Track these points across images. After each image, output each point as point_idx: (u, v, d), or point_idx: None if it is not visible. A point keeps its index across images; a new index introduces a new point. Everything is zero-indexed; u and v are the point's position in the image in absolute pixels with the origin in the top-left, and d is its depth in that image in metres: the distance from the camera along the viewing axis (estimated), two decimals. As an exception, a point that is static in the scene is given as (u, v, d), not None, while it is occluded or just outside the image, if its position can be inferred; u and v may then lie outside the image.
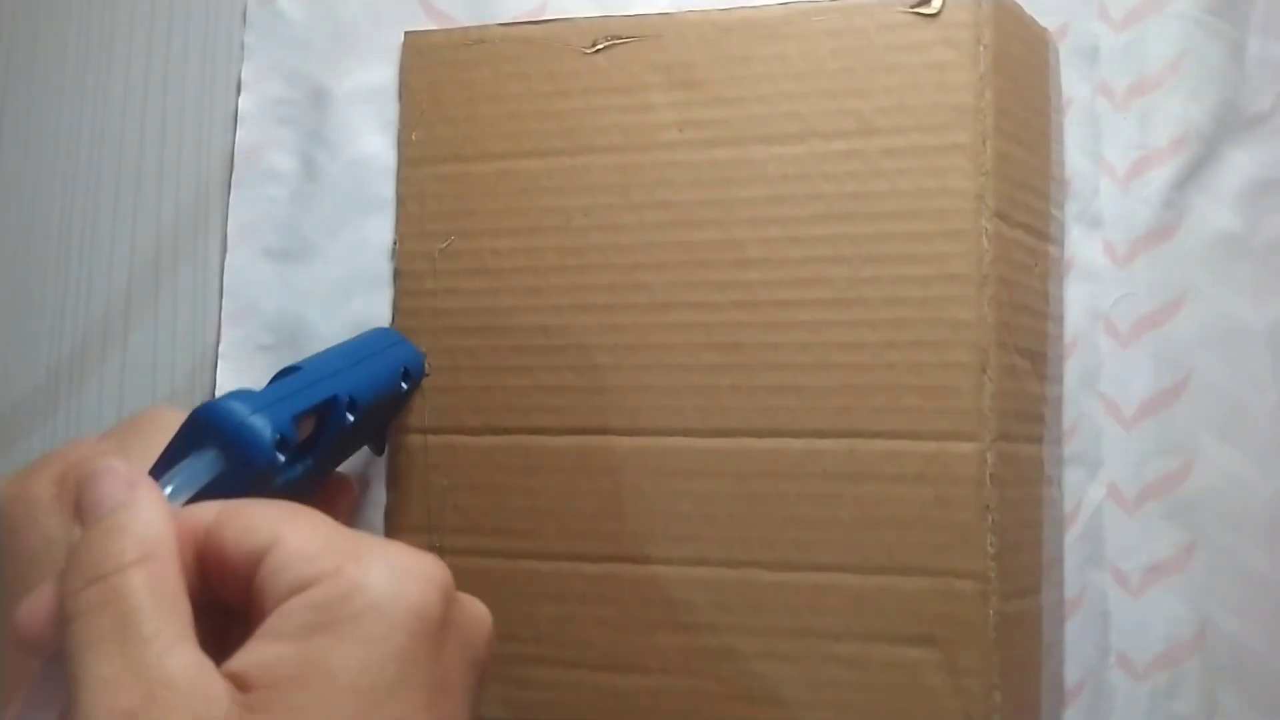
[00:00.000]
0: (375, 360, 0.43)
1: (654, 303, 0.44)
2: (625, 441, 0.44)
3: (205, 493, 0.29)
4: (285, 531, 0.24)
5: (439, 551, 0.45)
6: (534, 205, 0.46)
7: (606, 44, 0.46)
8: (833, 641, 0.41)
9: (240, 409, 0.31)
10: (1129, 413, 0.45)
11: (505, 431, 0.45)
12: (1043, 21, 0.45)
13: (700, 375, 0.43)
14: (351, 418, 0.38)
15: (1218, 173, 0.46)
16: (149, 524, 0.24)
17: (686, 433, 0.43)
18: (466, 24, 0.49)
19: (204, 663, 0.22)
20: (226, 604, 0.24)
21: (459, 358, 0.46)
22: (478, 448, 0.45)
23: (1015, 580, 0.41)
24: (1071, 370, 0.45)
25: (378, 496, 0.47)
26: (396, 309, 0.47)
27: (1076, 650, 0.44)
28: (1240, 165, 0.46)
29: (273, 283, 0.50)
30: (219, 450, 0.30)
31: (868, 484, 0.41)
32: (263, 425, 0.31)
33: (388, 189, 0.49)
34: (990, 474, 0.40)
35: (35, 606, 0.24)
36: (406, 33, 0.49)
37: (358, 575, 0.23)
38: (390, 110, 0.49)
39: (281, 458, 0.32)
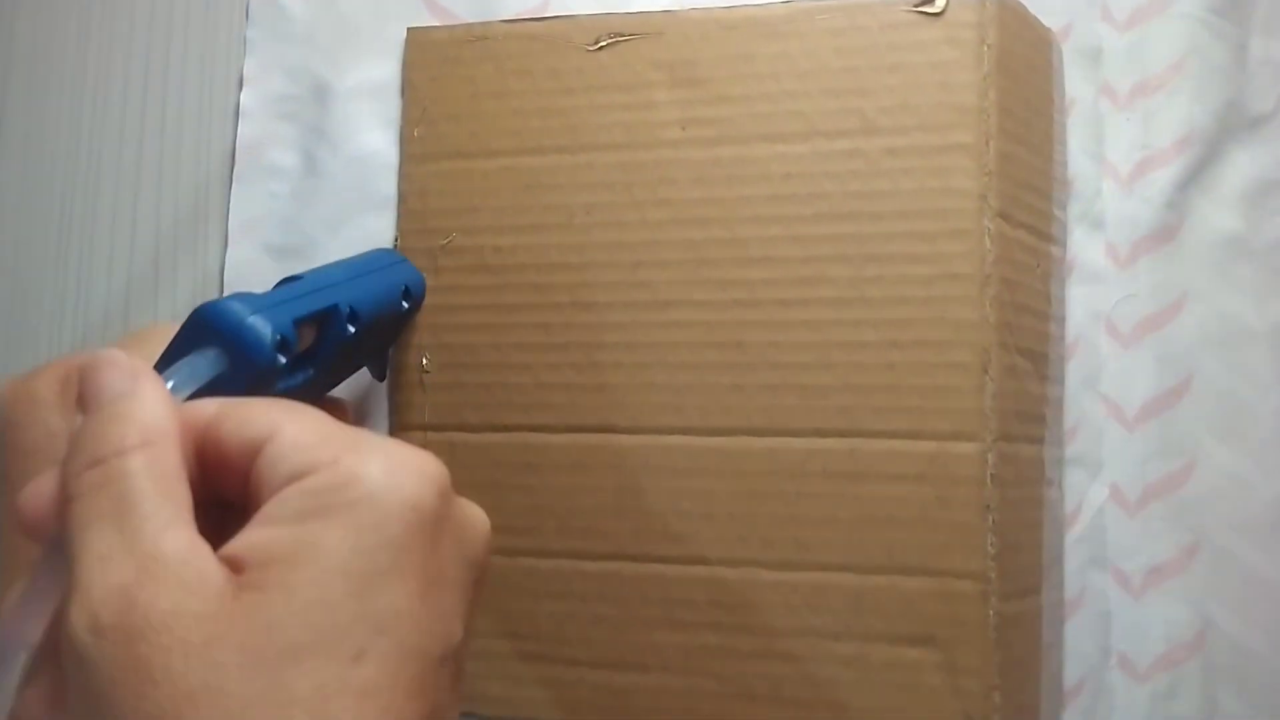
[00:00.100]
0: (376, 276, 0.42)
1: (656, 301, 0.44)
2: (626, 440, 0.44)
3: (206, 391, 0.29)
4: (284, 424, 0.24)
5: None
6: (536, 202, 0.45)
7: (609, 41, 0.46)
8: (832, 641, 0.41)
9: (242, 309, 0.32)
10: (1131, 414, 0.45)
11: (506, 429, 0.45)
12: (1046, 22, 0.45)
13: (701, 374, 0.43)
14: (352, 329, 0.38)
15: (1220, 174, 0.46)
16: (151, 412, 0.24)
17: (687, 431, 0.43)
18: (469, 20, 0.49)
19: (199, 544, 0.22)
20: (226, 499, 0.25)
21: (460, 355, 0.46)
22: (478, 445, 0.45)
23: (1015, 581, 0.41)
24: (1073, 371, 0.45)
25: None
26: (397, 306, 0.47)
27: (1077, 651, 0.44)
28: (1242, 166, 0.46)
29: (274, 278, 0.49)
30: (220, 349, 0.31)
31: (868, 483, 0.41)
32: (264, 325, 0.32)
33: (389, 185, 0.49)
34: (991, 474, 0.40)
35: (37, 491, 0.24)
36: (409, 29, 0.49)
37: (355, 465, 0.23)
38: (392, 106, 0.49)
39: (282, 360, 0.33)
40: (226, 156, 0.52)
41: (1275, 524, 0.44)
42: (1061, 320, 0.45)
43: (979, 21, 0.42)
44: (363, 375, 0.48)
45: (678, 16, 0.45)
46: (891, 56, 0.42)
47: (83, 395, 0.25)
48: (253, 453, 0.24)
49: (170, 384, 0.27)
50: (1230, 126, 0.46)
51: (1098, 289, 0.45)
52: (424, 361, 0.46)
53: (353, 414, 0.46)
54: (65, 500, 0.23)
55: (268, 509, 0.23)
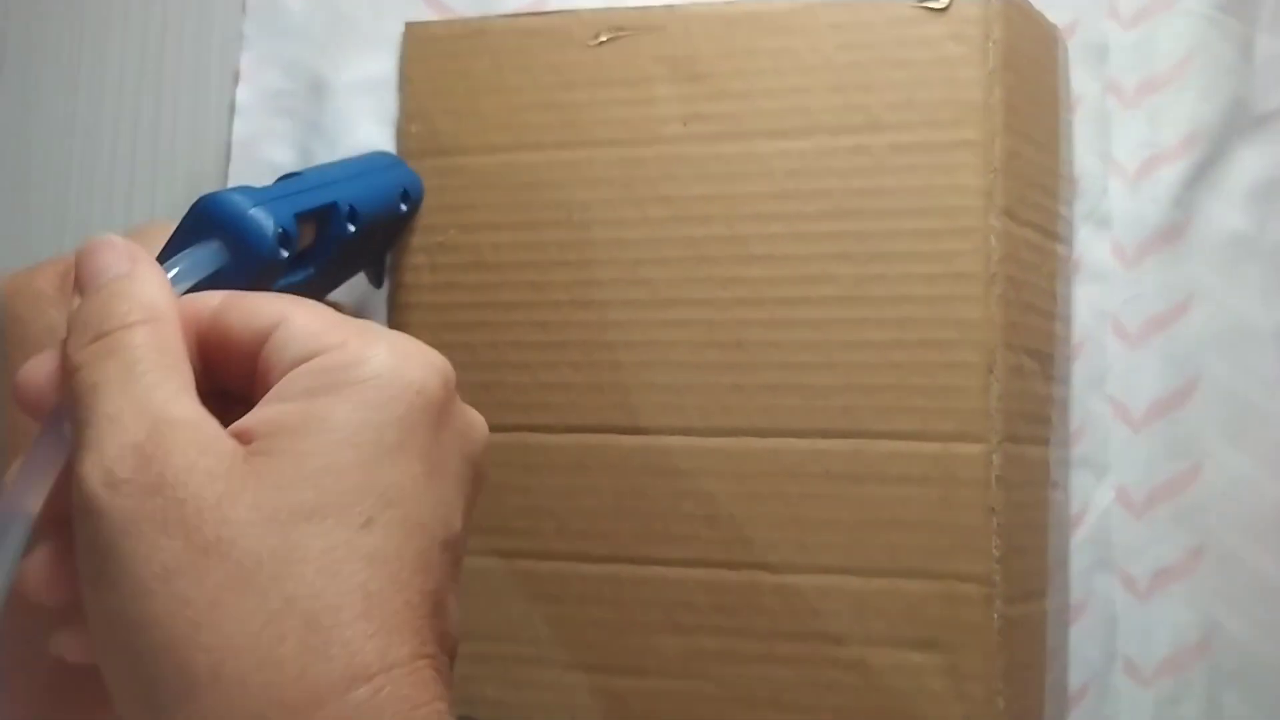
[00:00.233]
0: (375, 176, 0.42)
1: (656, 299, 0.43)
2: (626, 440, 0.43)
3: (206, 284, 0.30)
4: (292, 311, 0.24)
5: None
6: (535, 199, 0.45)
7: (610, 36, 0.45)
8: (835, 645, 0.41)
9: (243, 201, 0.32)
10: (1137, 415, 0.45)
11: (504, 429, 0.45)
12: (1052, 18, 0.45)
13: (703, 373, 0.43)
14: (352, 228, 0.39)
15: (1227, 172, 0.45)
16: (151, 291, 0.24)
17: (688, 432, 0.43)
18: (467, 15, 0.49)
19: (206, 413, 0.23)
20: (230, 390, 0.25)
21: (457, 353, 0.45)
22: (476, 445, 0.45)
23: (1020, 584, 0.40)
24: (1079, 371, 0.45)
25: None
26: (394, 303, 0.47)
27: (1082, 655, 0.44)
28: (1249, 164, 0.45)
29: (269, 276, 0.50)
30: (221, 242, 0.31)
31: (871, 485, 0.41)
32: (265, 218, 0.32)
33: (386, 182, 0.48)
34: (996, 476, 0.40)
35: (37, 366, 0.24)
36: (407, 24, 0.48)
37: (362, 348, 0.23)
38: (390, 102, 0.49)
39: (284, 253, 0.33)
40: (222, 152, 0.51)
41: (1283, 526, 0.43)
42: (1067, 320, 0.45)
43: (984, 17, 0.41)
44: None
45: (679, 11, 0.45)
46: (896, 52, 0.42)
47: (80, 278, 0.25)
48: (260, 340, 0.24)
49: (172, 274, 0.27)
50: (1237, 124, 0.45)
51: (1104, 288, 0.45)
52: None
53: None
54: (69, 372, 0.23)
55: (276, 389, 0.23)
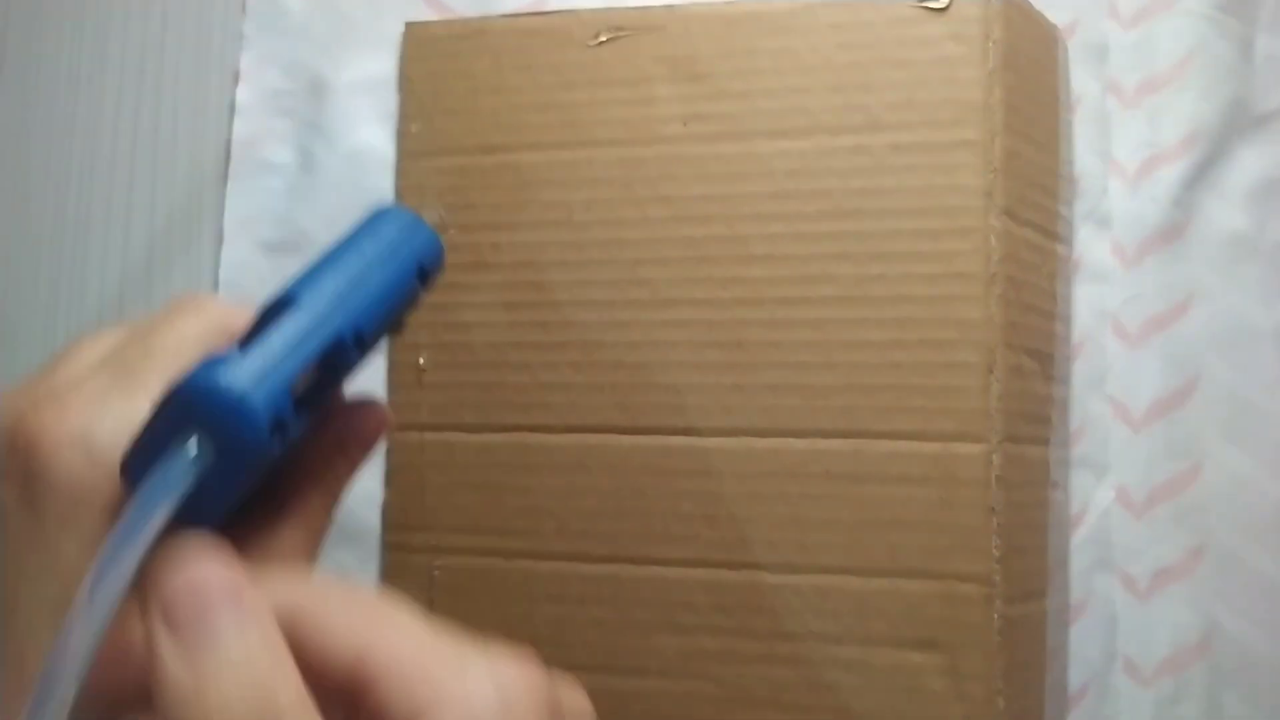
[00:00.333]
0: (383, 269, 0.34)
1: (656, 299, 0.43)
2: (626, 440, 0.43)
3: (197, 490, 0.27)
4: (374, 644, 0.22)
5: (435, 551, 0.45)
6: (535, 199, 0.45)
7: (610, 36, 0.45)
8: (835, 644, 0.41)
9: (227, 387, 0.27)
10: (1137, 415, 0.44)
11: (504, 429, 0.44)
12: (1052, 18, 0.45)
13: (702, 373, 0.43)
14: (360, 353, 0.32)
15: (1227, 172, 0.45)
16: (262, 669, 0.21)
17: (688, 431, 0.43)
18: (468, 15, 0.49)
19: None
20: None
21: (457, 354, 0.45)
22: (476, 445, 0.45)
23: (1020, 584, 0.40)
24: (1079, 371, 0.45)
25: (375, 494, 0.47)
26: (394, 304, 0.47)
27: (1081, 655, 0.44)
28: (1249, 164, 0.45)
29: (269, 276, 0.49)
30: (204, 435, 0.26)
31: (871, 485, 0.41)
32: (255, 407, 0.27)
33: (386, 181, 0.48)
34: (996, 476, 0.40)
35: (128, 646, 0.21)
36: (407, 23, 0.48)
37: (463, 697, 0.22)
38: (390, 102, 0.49)
39: (277, 448, 0.28)
40: (222, 152, 0.51)
41: (1283, 526, 0.43)
42: (1067, 320, 0.45)
43: (984, 17, 0.41)
44: (363, 376, 0.48)
45: (679, 11, 0.45)
46: (896, 52, 0.42)
47: (169, 614, 0.21)
48: (342, 672, 0.22)
49: (159, 501, 0.24)
50: (1237, 124, 0.45)
51: (1104, 288, 0.45)
52: (421, 361, 0.46)
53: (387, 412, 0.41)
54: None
55: None
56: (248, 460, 0.27)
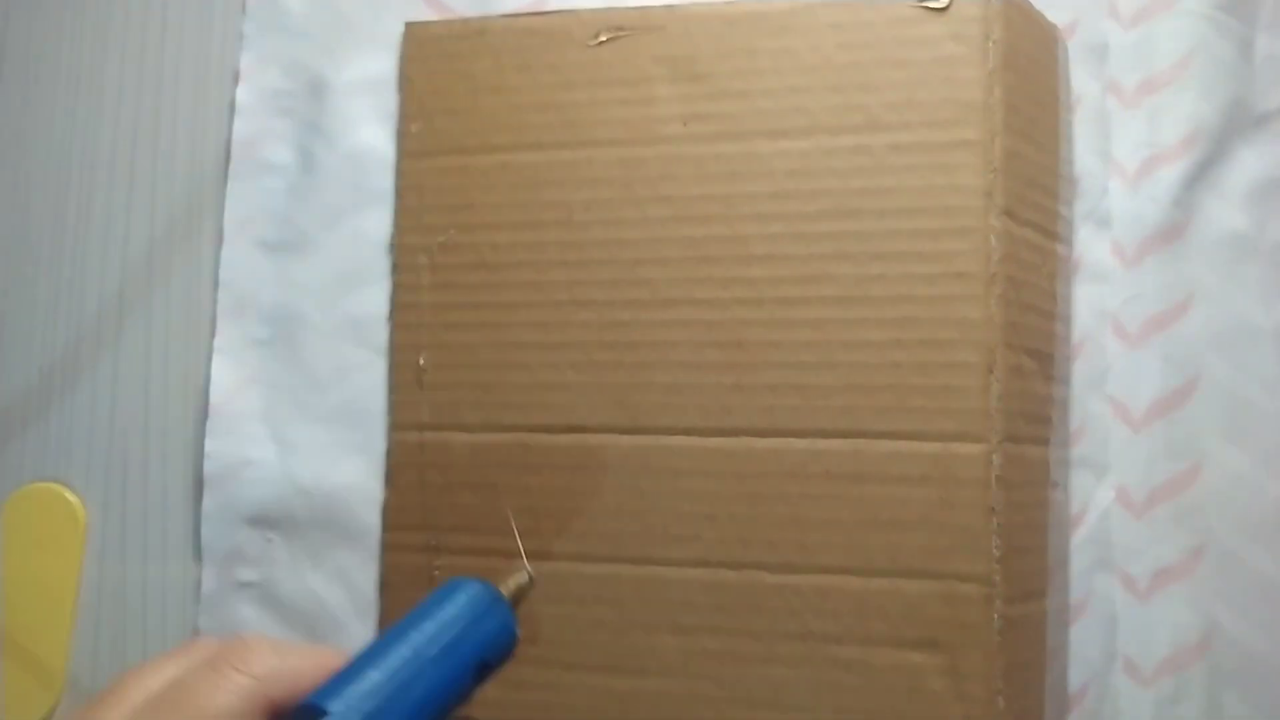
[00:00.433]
0: (436, 670, 0.30)
1: (656, 299, 0.43)
2: (626, 440, 0.43)
3: None
4: None
5: (435, 551, 0.45)
6: (535, 199, 0.45)
7: (610, 36, 0.45)
8: (835, 645, 0.41)
9: None
10: (1137, 415, 0.44)
11: (504, 429, 0.45)
12: (1052, 18, 0.45)
13: (702, 373, 0.43)
14: None
15: (1227, 172, 0.45)
16: None
17: (688, 431, 0.43)
18: (468, 15, 0.49)
19: None
20: None
21: (457, 354, 0.45)
22: (476, 445, 0.45)
23: (1020, 584, 0.40)
24: (1079, 371, 0.45)
25: (375, 495, 0.47)
26: (394, 303, 0.47)
27: (1082, 655, 0.44)
28: (1249, 164, 0.45)
29: (269, 276, 0.49)
30: None
31: (871, 485, 0.41)
32: None
33: (386, 181, 0.48)
34: (996, 476, 0.40)
35: None
36: (407, 23, 0.48)
37: None
38: (390, 102, 0.49)
39: None
40: (221, 152, 0.51)
41: (1283, 526, 0.43)
42: (1067, 320, 0.45)
43: (984, 17, 0.41)
44: (363, 376, 0.48)
45: (679, 11, 0.45)
46: (896, 52, 0.42)
47: None
48: None
49: None
50: (1237, 124, 0.45)
51: (1104, 288, 0.45)
52: (421, 361, 0.46)
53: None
54: None
55: None
56: None
